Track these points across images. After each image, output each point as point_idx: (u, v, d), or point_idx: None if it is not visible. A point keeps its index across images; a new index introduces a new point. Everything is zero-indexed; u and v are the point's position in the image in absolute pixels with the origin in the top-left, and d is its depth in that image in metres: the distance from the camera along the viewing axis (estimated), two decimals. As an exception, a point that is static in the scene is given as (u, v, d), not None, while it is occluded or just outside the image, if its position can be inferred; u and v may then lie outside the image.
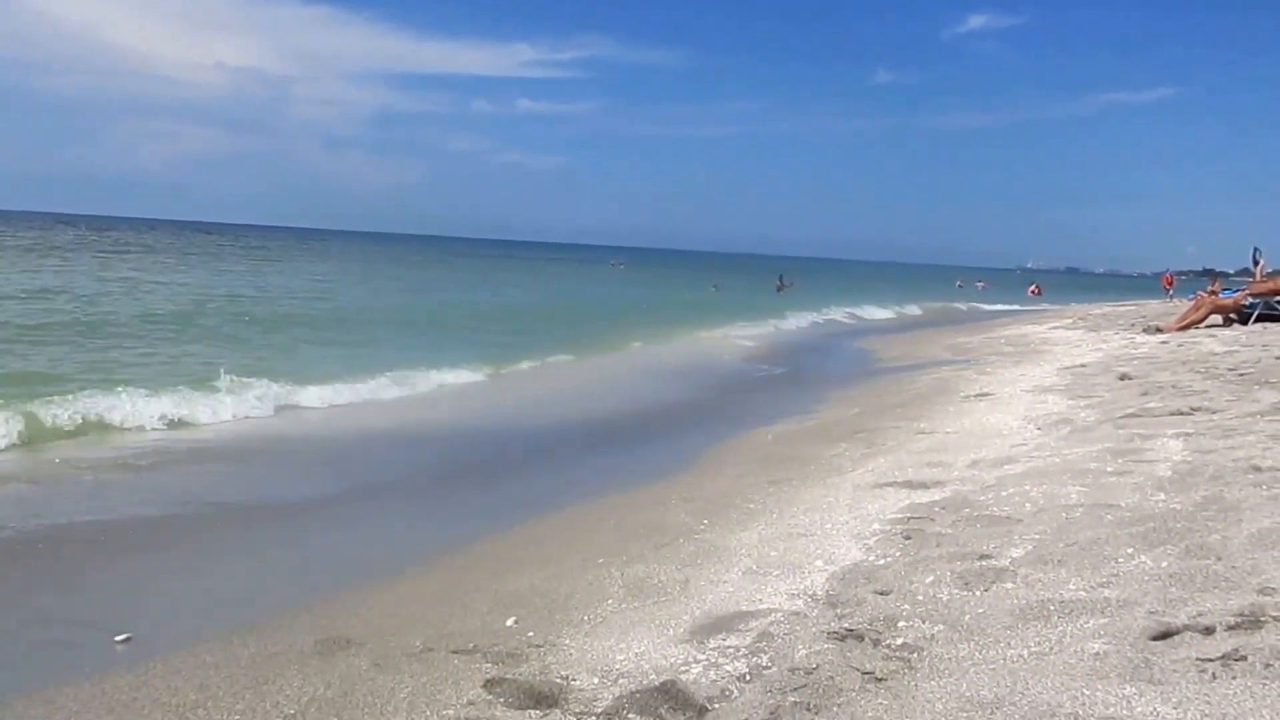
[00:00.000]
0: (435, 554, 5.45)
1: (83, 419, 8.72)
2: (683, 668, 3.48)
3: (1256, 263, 21.19)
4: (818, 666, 3.31)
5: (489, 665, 3.63)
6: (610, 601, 4.35)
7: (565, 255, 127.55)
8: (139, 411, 9.14)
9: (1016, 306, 45.38)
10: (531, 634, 3.96)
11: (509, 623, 4.12)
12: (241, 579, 5.19)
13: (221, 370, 10.83)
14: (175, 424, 9.19)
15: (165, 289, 27.10)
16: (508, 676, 3.49)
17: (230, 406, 9.95)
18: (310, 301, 27.38)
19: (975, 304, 49.37)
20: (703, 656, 3.57)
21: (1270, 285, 17.13)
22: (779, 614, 3.94)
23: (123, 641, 4.06)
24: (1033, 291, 64.67)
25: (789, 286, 48.43)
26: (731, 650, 3.60)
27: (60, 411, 8.67)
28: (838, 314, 33.46)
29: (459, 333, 20.10)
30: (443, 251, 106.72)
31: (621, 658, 3.64)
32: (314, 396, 11.04)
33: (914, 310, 39.63)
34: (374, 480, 7.70)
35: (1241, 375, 9.55)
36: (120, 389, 9.52)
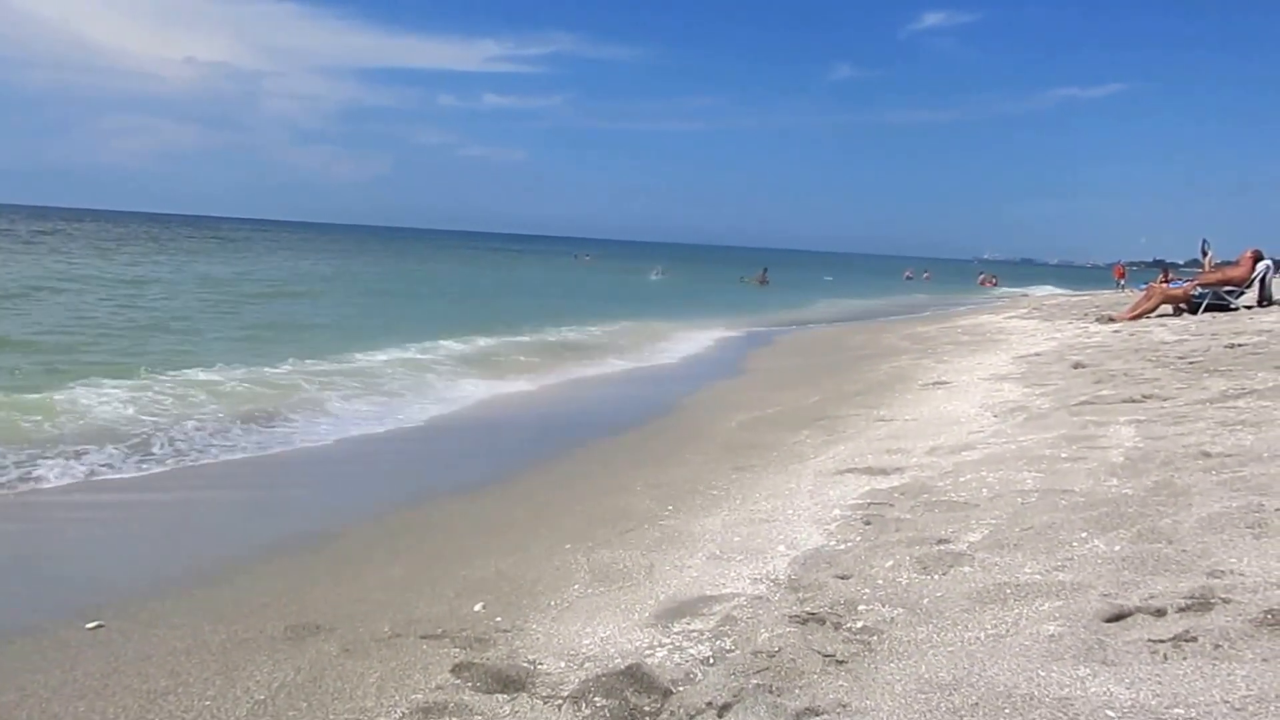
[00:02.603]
0: (404, 542, 5.46)
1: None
2: (648, 651, 3.52)
3: (1205, 254, 21.52)
4: (780, 649, 3.37)
5: (457, 650, 3.66)
6: (576, 587, 4.39)
7: (532, 248, 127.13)
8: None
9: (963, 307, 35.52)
10: (499, 619, 4.00)
11: (476, 608, 4.15)
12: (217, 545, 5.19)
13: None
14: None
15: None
16: (475, 661, 3.53)
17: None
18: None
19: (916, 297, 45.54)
20: (667, 640, 3.62)
21: (1218, 276, 17.40)
22: (742, 598, 4.00)
23: (94, 628, 4.05)
24: (985, 283, 64.63)
25: (767, 282, 49.01)
26: (695, 634, 3.65)
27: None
28: (795, 306, 33.53)
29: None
30: (410, 244, 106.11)
31: (588, 642, 3.68)
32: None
33: (873, 302, 39.78)
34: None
35: (1191, 363, 9.72)
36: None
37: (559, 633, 3.80)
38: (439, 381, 12.24)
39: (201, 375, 11.10)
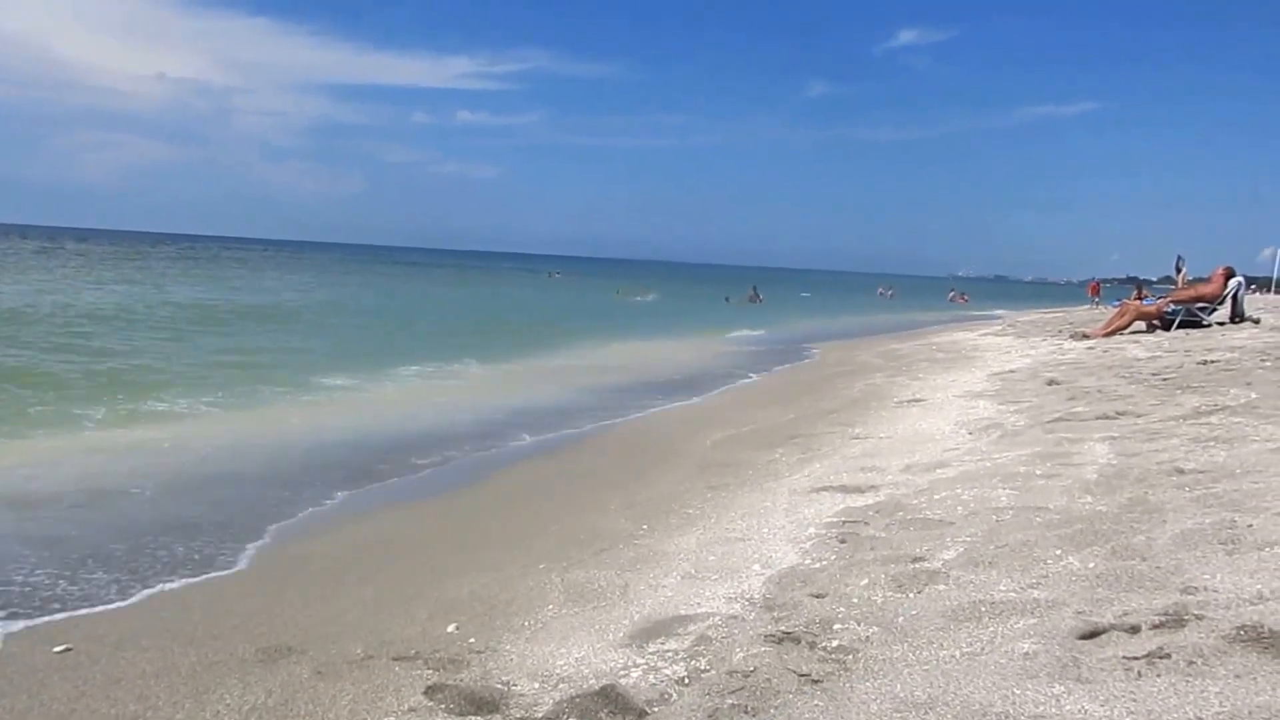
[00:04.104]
0: (376, 562, 5.42)
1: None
2: (622, 672, 3.50)
3: (1179, 270, 21.68)
4: (755, 669, 3.35)
5: (430, 672, 3.63)
6: (550, 607, 4.37)
7: (506, 265, 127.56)
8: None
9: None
10: (472, 640, 3.96)
11: (450, 629, 4.11)
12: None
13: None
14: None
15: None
16: (449, 683, 3.50)
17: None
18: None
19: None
20: (642, 660, 3.59)
21: (1192, 292, 17.53)
22: (717, 618, 3.98)
23: (61, 652, 3.99)
24: (956, 299, 65.01)
25: (758, 300, 50.05)
26: (670, 654, 3.63)
27: None
28: (765, 325, 33.39)
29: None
30: (383, 262, 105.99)
31: (562, 663, 3.66)
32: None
33: (847, 319, 39.78)
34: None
35: (1164, 380, 9.79)
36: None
37: (533, 653, 3.78)
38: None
39: (164, 407, 10.99)
